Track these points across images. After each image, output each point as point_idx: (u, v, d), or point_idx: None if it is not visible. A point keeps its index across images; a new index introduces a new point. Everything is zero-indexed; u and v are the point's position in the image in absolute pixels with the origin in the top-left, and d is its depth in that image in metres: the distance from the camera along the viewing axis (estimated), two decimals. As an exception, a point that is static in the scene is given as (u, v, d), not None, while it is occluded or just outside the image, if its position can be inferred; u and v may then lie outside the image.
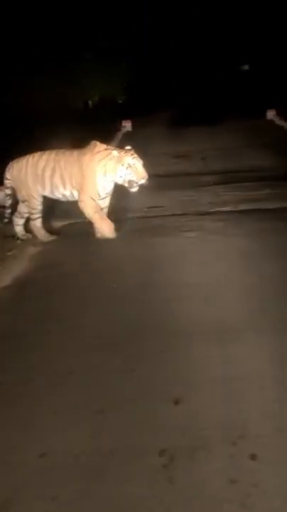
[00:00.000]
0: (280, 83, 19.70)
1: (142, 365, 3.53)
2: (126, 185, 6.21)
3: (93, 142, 6.44)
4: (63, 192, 6.47)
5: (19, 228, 6.77)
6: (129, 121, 18.43)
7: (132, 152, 6.21)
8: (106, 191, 6.38)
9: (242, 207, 7.29)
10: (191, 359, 3.56)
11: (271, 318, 4.04)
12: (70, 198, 6.51)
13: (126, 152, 6.22)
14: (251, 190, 8.13)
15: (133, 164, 6.13)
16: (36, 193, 6.54)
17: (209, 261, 5.35)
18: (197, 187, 8.63)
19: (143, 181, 6.14)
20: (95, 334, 4.01)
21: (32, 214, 6.62)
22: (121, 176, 6.18)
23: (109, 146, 6.50)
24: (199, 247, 5.79)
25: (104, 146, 6.41)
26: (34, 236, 6.63)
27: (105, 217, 6.40)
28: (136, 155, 6.18)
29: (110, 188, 6.37)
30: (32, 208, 6.59)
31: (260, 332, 3.83)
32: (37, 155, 6.59)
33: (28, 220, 6.68)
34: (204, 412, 3.01)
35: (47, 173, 6.44)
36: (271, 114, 18.35)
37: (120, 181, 6.23)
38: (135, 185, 6.17)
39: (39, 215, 6.61)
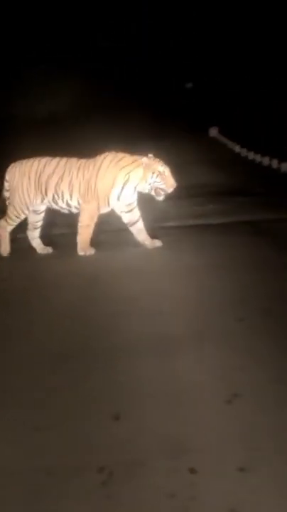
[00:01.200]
0: (222, 101, 20.02)
1: (83, 382, 3.49)
2: (153, 193, 6.08)
3: (110, 151, 6.24)
4: (69, 201, 6.20)
5: (37, 242, 6.46)
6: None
7: (159, 159, 6.10)
8: (128, 201, 6.17)
9: (188, 222, 7.36)
10: (132, 374, 3.54)
11: (213, 331, 4.07)
12: (74, 210, 6.26)
13: (154, 159, 6.08)
14: (197, 205, 8.22)
15: (163, 172, 6.01)
16: (31, 204, 6.28)
17: (153, 276, 5.36)
18: (143, 202, 8.64)
19: (171, 190, 6.04)
20: (37, 351, 3.95)
21: (10, 220, 6.35)
22: (150, 184, 6.03)
23: (128, 154, 6.26)
24: (143, 262, 5.80)
25: (123, 154, 6.22)
26: None
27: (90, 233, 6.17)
28: (162, 162, 6.08)
29: (133, 198, 6.19)
30: (15, 214, 6.31)
31: (201, 345, 3.85)
32: (44, 160, 6.33)
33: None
34: (144, 427, 2.99)
35: (53, 180, 6.18)
36: (213, 132, 18.65)
37: (147, 190, 6.08)
38: (162, 193, 6.05)
39: (15, 224, 6.36)
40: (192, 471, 2.65)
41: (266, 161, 14.30)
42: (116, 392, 3.35)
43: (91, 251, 6.13)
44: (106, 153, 6.22)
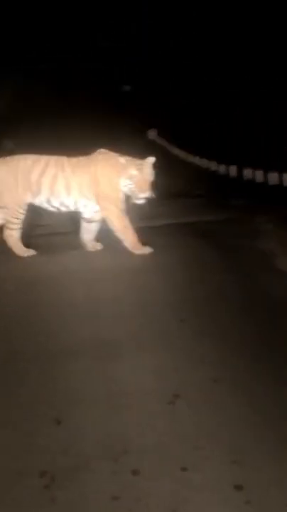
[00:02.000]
0: (159, 104, 20.17)
1: (23, 387, 3.46)
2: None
3: (101, 150, 6.06)
4: (65, 201, 6.00)
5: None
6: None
7: (141, 162, 5.84)
8: None
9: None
10: (73, 378, 3.52)
11: (153, 333, 4.10)
12: (72, 208, 6.06)
13: (131, 161, 5.83)
14: (140, 208, 8.23)
15: (136, 175, 5.77)
16: (23, 202, 6.05)
17: (94, 279, 5.34)
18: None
19: (140, 199, 5.83)
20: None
21: (11, 223, 6.08)
22: (125, 186, 5.83)
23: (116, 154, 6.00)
24: (84, 265, 5.78)
25: (114, 153, 5.99)
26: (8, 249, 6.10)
27: (132, 232, 5.96)
28: (143, 166, 5.81)
29: None
30: (13, 217, 6.06)
31: (141, 347, 3.87)
32: (30, 159, 6.06)
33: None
34: (86, 430, 2.99)
35: (46, 180, 5.95)
36: (152, 134, 18.78)
37: (125, 191, 5.87)
38: (138, 197, 5.83)
39: (19, 225, 6.10)
40: (135, 472, 2.67)
41: (204, 163, 14.49)
42: (56, 396, 3.33)
43: (146, 250, 5.94)
44: (96, 153, 6.06)
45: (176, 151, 17.06)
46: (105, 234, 6.28)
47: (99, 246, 6.20)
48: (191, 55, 17.44)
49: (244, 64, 13.63)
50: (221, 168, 13.13)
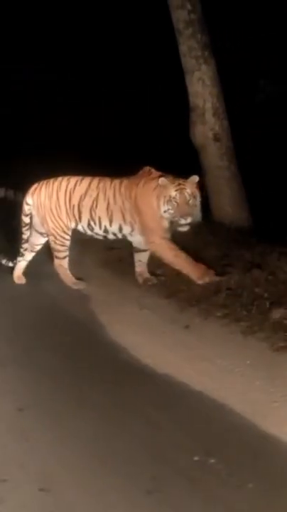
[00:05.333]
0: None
1: None
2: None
3: (146, 168, 5.27)
4: (108, 228, 5.28)
5: (21, 266, 5.55)
6: None
7: (181, 182, 4.98)
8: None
9: None
10: None
11: (16, 350, 4.10)
12: (119, 236, 5.32)
13: (172, 182, 5.00)
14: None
15: (175, 198, 4.95)
16: (67, 227, 5.35)
17: None
18: None
19: (184, 222, 4.96)
20: None
21: (57, 252, 5.38)
22: (165, 212, 5.01)
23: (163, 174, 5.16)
24: None
25: (159, 172, 5.18)
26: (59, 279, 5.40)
27: (190, 258, 5.06)
28: (184, 186, 4.96)
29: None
30: (58, 244, 5.37)
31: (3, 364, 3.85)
32: (73, 180, 5.41)
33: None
34: None
35: (87, 204, 5.30)
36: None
37: (167, 217, 5.04)
38: (182, 222, 4.98)
39: (66, 253, 5.38)
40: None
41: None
42: None
43: (208, 277, 4.95)
44: (139, 173, 5.30)
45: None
46: None
47: (153, 280, 5.33)
48: None
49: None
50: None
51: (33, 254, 5.61)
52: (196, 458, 2.86)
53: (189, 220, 4.96)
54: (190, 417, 3.24)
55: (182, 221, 4.95)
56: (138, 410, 3.32)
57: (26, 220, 5.50)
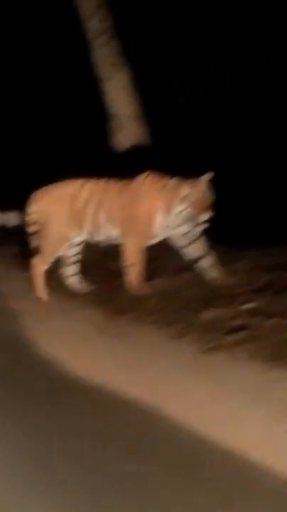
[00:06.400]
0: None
1: None
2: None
3: (147, 172, 5.01)
4: (111, 233, 5.04)
5: (74, 279, 5.23)
6: None
7: (193, 181, 4.81)
8: (182, 231, 4.93)
9: None
10: None
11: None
12: (113, 242, 5.11)
13: (182, 181, 4.84)
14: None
15: (190, 196, 4.78)
16: (70, 235, 5.08)
17: None
18: None
19: (203, 218, 4.79)
20: None
21: (44, 258, 5.16)
22: (180, 212, 4.81)
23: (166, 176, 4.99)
24: None
25: (162, 174, 5.00)
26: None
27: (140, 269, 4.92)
28: (197, 184, 4.79)
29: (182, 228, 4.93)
30: (49, 250, 5.15)
31: None
32: (77, 184, 5.11)
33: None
34: None
35: (90, 209, 5.02)
36: None
37: (182, 218, 4.86)
38: (199, 221, 4.83)
39: (49, 265, 5.16)
40: None
41: None
42: None
43: (143, 290, 4.90)
44: (141, 175, 5.05)
45: None
46: None
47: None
48: None
49: None
50: None
51: (75, 265, 5.30)
52: (130, 466, 2.84)
53: (208, 215, 4.82)
54: (124, 426, 3.22)
55: (201, 218, 4.82)
56: (70, 424, 3.28)
57: (32, 228, 5.22)
